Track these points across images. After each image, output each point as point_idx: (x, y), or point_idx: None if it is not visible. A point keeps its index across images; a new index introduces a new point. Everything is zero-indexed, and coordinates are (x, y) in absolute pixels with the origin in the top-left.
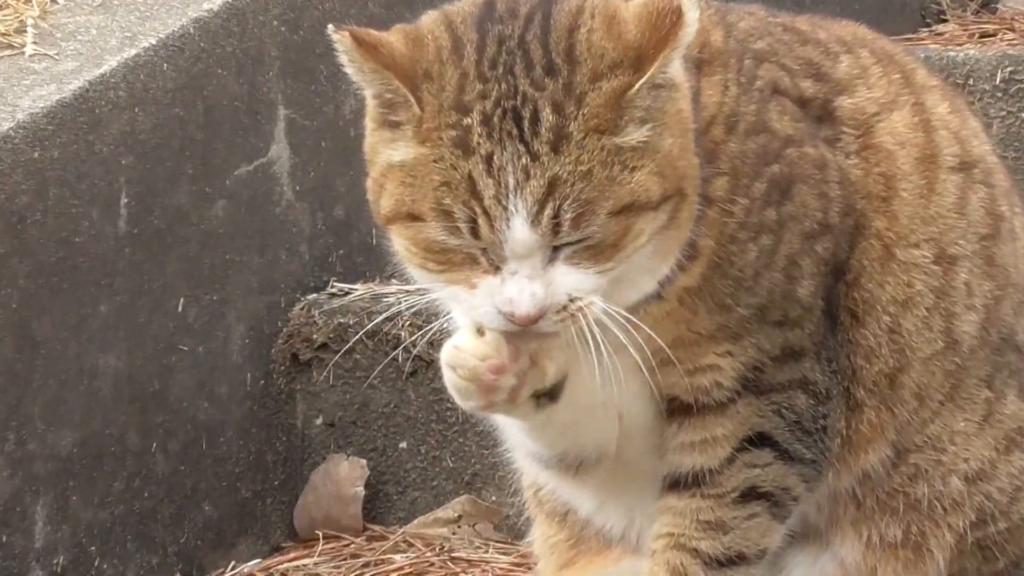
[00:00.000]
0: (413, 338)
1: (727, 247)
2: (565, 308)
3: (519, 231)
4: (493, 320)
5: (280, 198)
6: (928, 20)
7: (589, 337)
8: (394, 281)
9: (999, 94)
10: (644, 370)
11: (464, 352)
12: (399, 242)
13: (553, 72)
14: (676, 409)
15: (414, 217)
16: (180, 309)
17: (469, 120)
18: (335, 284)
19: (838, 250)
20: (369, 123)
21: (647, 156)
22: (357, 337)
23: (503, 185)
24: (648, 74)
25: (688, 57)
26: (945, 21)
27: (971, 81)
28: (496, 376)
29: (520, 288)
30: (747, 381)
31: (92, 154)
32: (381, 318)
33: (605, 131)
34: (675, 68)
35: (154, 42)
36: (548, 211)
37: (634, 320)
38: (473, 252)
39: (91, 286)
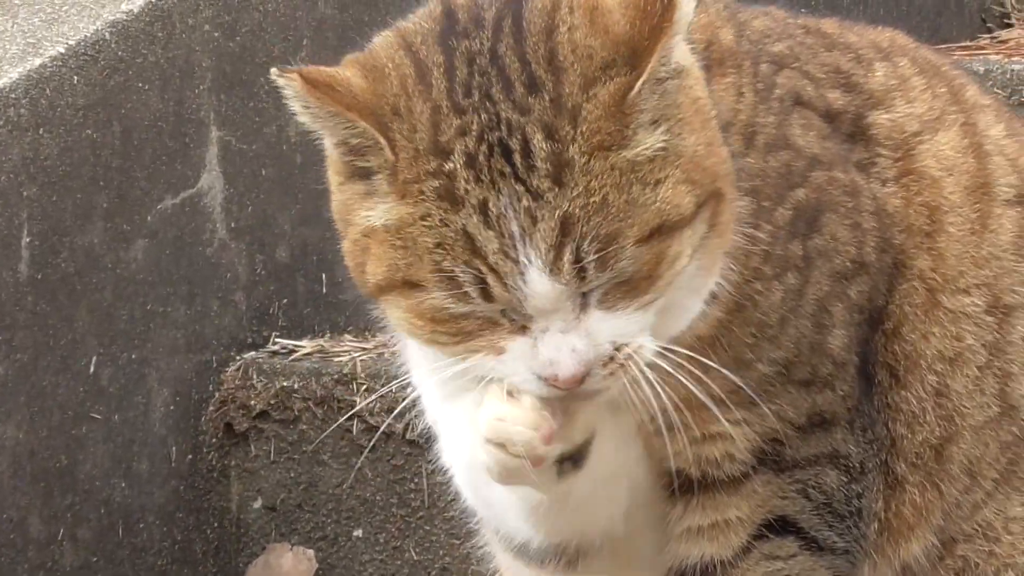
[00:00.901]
0: (368, 402)
1: (750, 285)
2: (612, 359)
3: (538, 284)
4: (533, 387)
5: (212, 237)
6: (990, 25)
7: (644, 384)
8: (348, 336)
9: None
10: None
11: (511, 425)
12: (397, 315)
13: (536, 88)
14: (682, 486)
15: (412, 285)
16: (92, 370)
17: (451, 164)
18: (277, 340)
19: (874, 294)
20: (334, 177)
21: (669, 164)
22: (303, 404)
23: (506, 235)
24: (647, 70)
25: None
26: (1010, 26)
27: None
28: (549, 446)
29: (558, 346)
30: (764, 454)
31: None
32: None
33: (612, 147)
34: (680, 53)
35: (62, 50)
36: (567, 256)
37: (694, 356)
38: (492, 317)
39: None
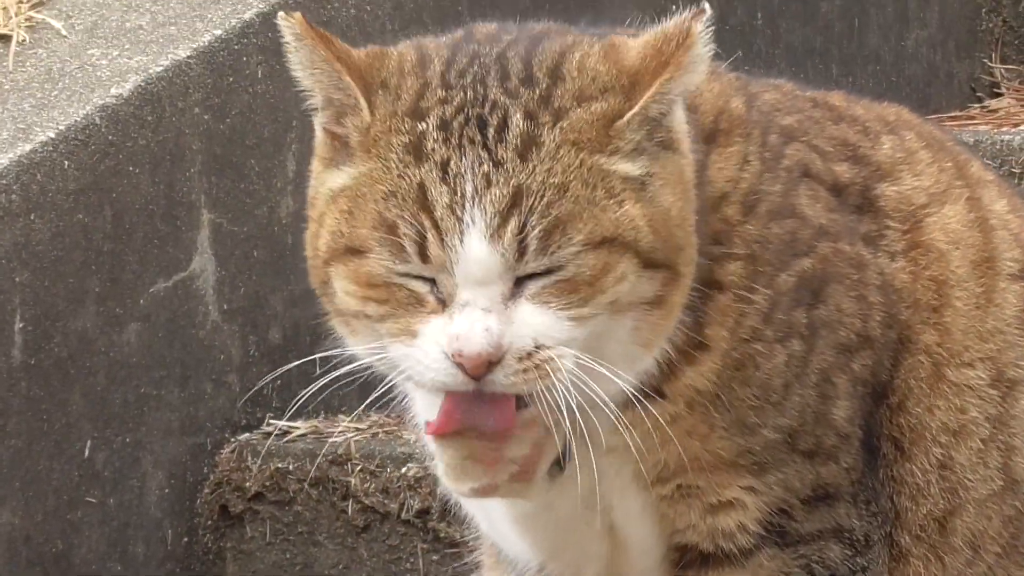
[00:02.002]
0: (364, 485)
1: (749, 345)
2: (530, 356)
3: (476, 248)
4: (441, 372)
5: (204, 320)
6: (979, 94)
7: (560, 398)
8: (342, 417)
9: None
10: (645, 490)
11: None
12: (338, 285)
13: (530, 83)
14: (690, 561)
15: (354, 251)
16: (86, 454)
17: (424, 125)
18: (271, 422)
19: (878, 368)
20: (317, 163)
21: (641, 199)
22: (298, 485)
23: (459, 193)
24: (641, 102)
25: (700, 128)
26: (1000, 95)
27: None
28: (501, 443)
29: (471, 322)
30: (771, 527)
31: None
32: (329, 460)
33: (586, 148)
34: (677, 119)
35: (53, 135)
36: (511, 225)
37: (618, 376)
38: (419, 292)
39: None
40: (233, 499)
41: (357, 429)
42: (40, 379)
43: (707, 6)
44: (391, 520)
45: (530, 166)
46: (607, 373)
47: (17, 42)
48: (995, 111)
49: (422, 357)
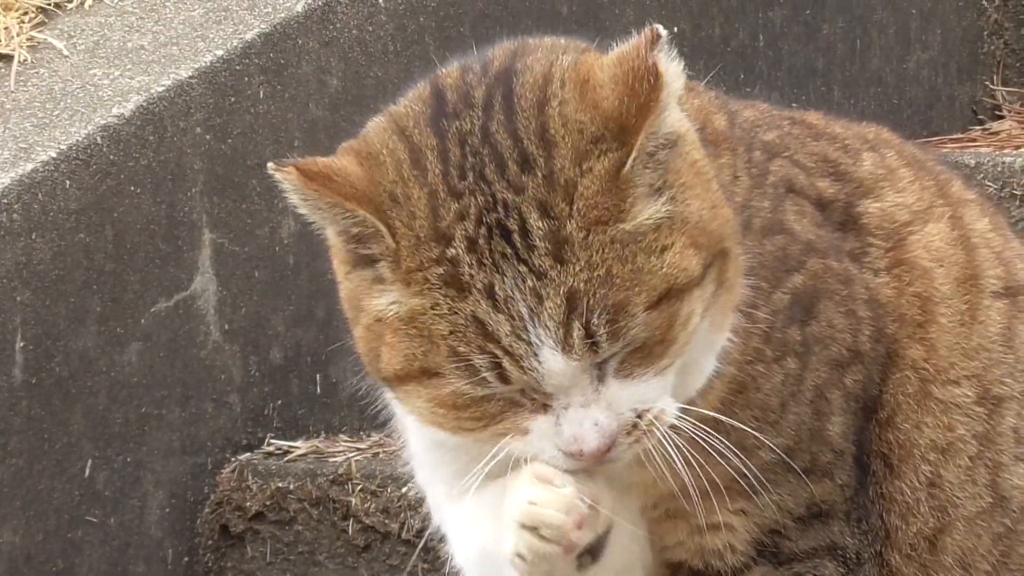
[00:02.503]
0: (364, 505)
1: (752, 367)
2: (636, 427)
3: (552, 363)
4: (561, 463)
5: (206, 339)
6: (981, 117)
7: (669, 446)
8: (343, 437)
9: None
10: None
11: (543, 508)
12: (418, 404)
13: (529, 165)
14: None
15: (430, 373)
16: (87, 473)
17: (453, 251)
18: (272, 441)
19: (869, 383)
20: (340, 266)
21: (674, 231)
22: (299, 504)
23: (516, 317)
24: (636, 147)
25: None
26: (1001, 118)
27: None
28: (581, 531)
29: (580, 422)
30: (763, 547)
31: None
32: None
33: (609, 221)
34: (673, 119)
35: (54, 155)
36: (576, 331)
37: (720, 419)
38: (513, 398)
39: None
40: (234, 519)
41: (358, 449)
42: (41, 398)
43: (659, 27)
44: (392, 540)
45: (570, 267)
46: (695, 378)
47: (19, 62)
48: (997, 133)
49: (539, 453)
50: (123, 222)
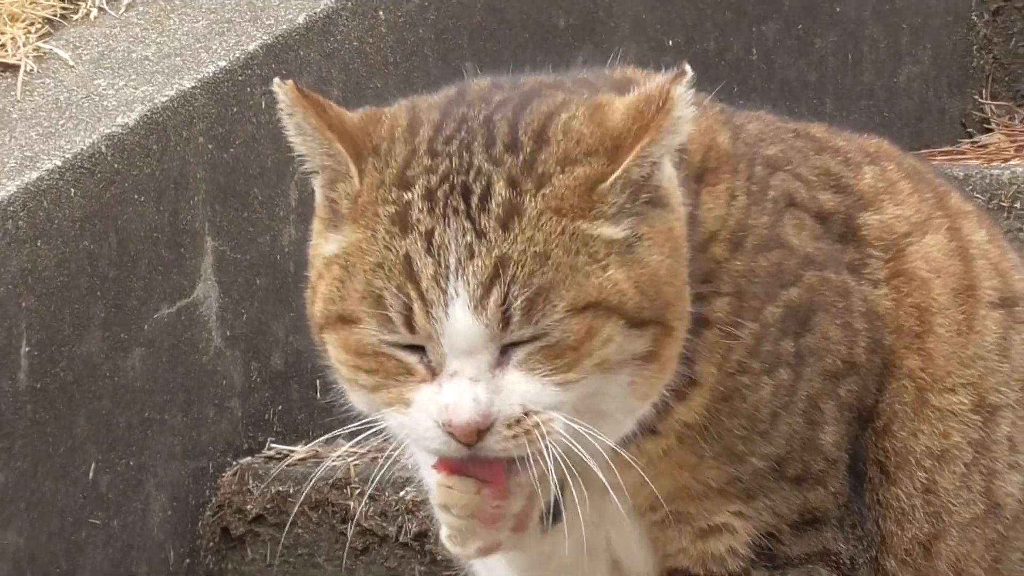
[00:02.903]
0: (363, 508)
1: (736, 378)
2: (519, 423)
3: (460, 320)
4: (433, 440)
5: (208, 345)
6: (970, 130)
7: (552, 464)
8: (341, 441)
9: None
10: (639, 517)
11: (457, 487)
12: (332, 353)
13: (515, 149)
14: None
15: (345, 320)
16: (91, 476)
17: (409, 195)
18: (272, 446)
19: (864, 393)
20: (316, 224)
21: (626, 261)
22: (298, 508)
23: (443, 265)
24: (624, 165)
25: (689, 167)
26: (990, 131)
27: (1019, 204)
28: (499, 503)
29: (461, 391)
30: (760, 551)
31: None
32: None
33: (568, 215)
34: (665, 175)
35: (59, 163)
36: (495, 296)
37: (607, 444)
38: (408, 362)
39: None
40: (234, 521)
41: (356, 453)
42: (45, 403)
43: (688, 68)
44: (389, 543)
45: (512, 236)
46: (599, 434)
47: (25, 72)
48: (985, 146)
49: (415, 426)
50: (127, 230)
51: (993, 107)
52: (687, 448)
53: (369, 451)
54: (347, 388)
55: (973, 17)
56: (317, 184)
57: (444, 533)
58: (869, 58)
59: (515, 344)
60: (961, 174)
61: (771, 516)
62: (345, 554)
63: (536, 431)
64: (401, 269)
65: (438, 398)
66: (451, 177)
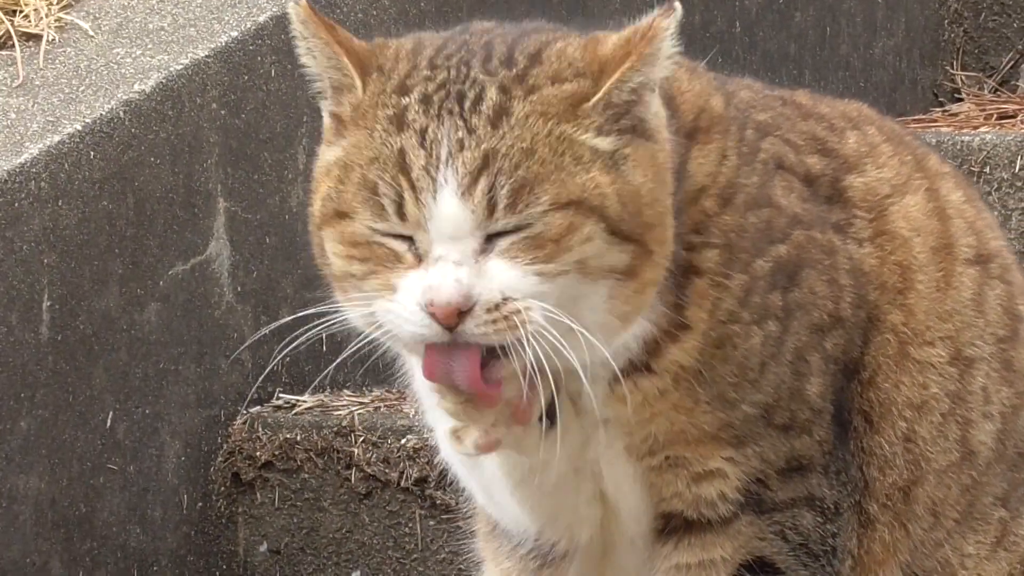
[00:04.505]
0: (367, 455)
1: (727, 326)
2: (498, 307)
3: (448, 205)
4: (417, 324)
5: (220, 300)
6: (941, 99)
7: (530, 351)
8: (346, 392)
9: (1019, 183)
10: (637, 462)
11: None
12: (329, 248)
13: (510, 64)
14: (674, 527)
15: (341, 214)
16: (108, 424)
17: (407, 100)
18: (281, 396)
19: (850, 346)
20: (322, 147)
21: (609, 171)
22: (305, 454)
23: (434, 156)
24: (605, 87)
25: (681, 123)
26: (960, 100)
27: (987, 169)
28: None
29: (445, 273)
30: (750, 494)
31: (10, 252)
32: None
33: (555, 118)
34: (651, 111)
35: (79, 127)
36: (481, 185)
37: (591, 339)
38: (398, 250)
39: (9, 399)
40: (244, 467)
41: (360, 403)
42: (65, 355)
43: (678, 4)
44: (391, 488)
45: (500, 132)
46: (580, 334)
47: (47, 41)
48: (956, 115)
49: (400, 310)
50: (143, 191)
51: (963, 78)
52: (682, 391)
53: (372, 401)
54: (339, 289)
55: None
56: (325, 108)
57: (440, 433)
58: (846, 31)
59: (499, 234)
60: (933, 141)
61: (759, 462)
62: (349, 498)
63: (515, 318)
64: (395, 162)
65: (423, 280)
66: (447, 85)
